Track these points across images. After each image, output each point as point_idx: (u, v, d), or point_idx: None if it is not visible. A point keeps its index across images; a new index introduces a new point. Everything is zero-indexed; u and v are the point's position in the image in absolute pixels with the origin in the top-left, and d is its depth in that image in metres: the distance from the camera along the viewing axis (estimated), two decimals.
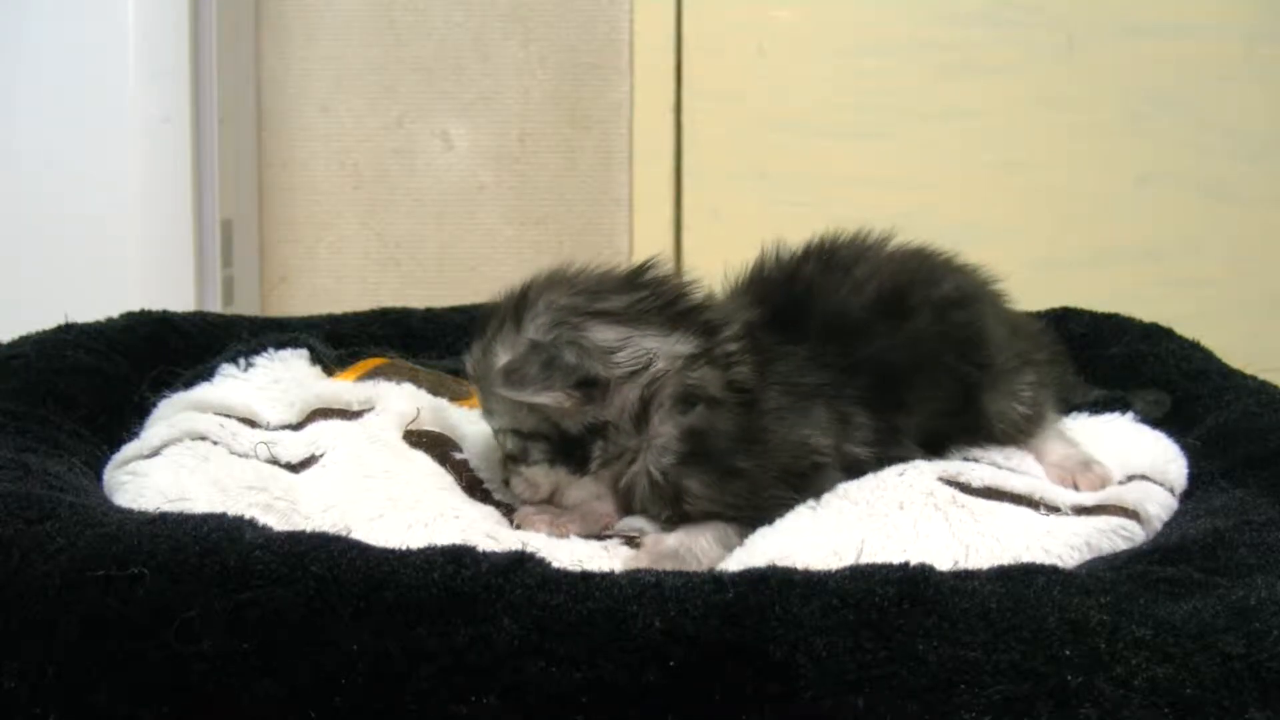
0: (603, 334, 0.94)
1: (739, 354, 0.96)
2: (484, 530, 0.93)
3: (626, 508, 0.99)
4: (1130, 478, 1.02)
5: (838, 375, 0.98)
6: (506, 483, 1.01)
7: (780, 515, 0.93)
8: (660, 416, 0.94)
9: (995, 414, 1.05)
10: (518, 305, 0.96)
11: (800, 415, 0.96)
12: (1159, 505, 0.98)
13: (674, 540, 0.93)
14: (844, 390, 0.98)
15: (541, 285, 0.98)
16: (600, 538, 0.97)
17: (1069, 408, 1.18)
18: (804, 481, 0.95)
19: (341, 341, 1.36)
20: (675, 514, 0.95)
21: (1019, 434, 1.07)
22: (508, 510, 1.01)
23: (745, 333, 0.97)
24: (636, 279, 0.99)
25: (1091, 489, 1.01)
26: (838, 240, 1.08)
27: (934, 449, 1.03)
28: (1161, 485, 1.02)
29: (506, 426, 0.98)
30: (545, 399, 0.92)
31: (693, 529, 0.93)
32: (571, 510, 0.98)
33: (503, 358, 0.94)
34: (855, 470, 0.98)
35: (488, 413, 1.00)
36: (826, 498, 0.94)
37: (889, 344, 1.01)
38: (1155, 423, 1.16)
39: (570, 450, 0.96)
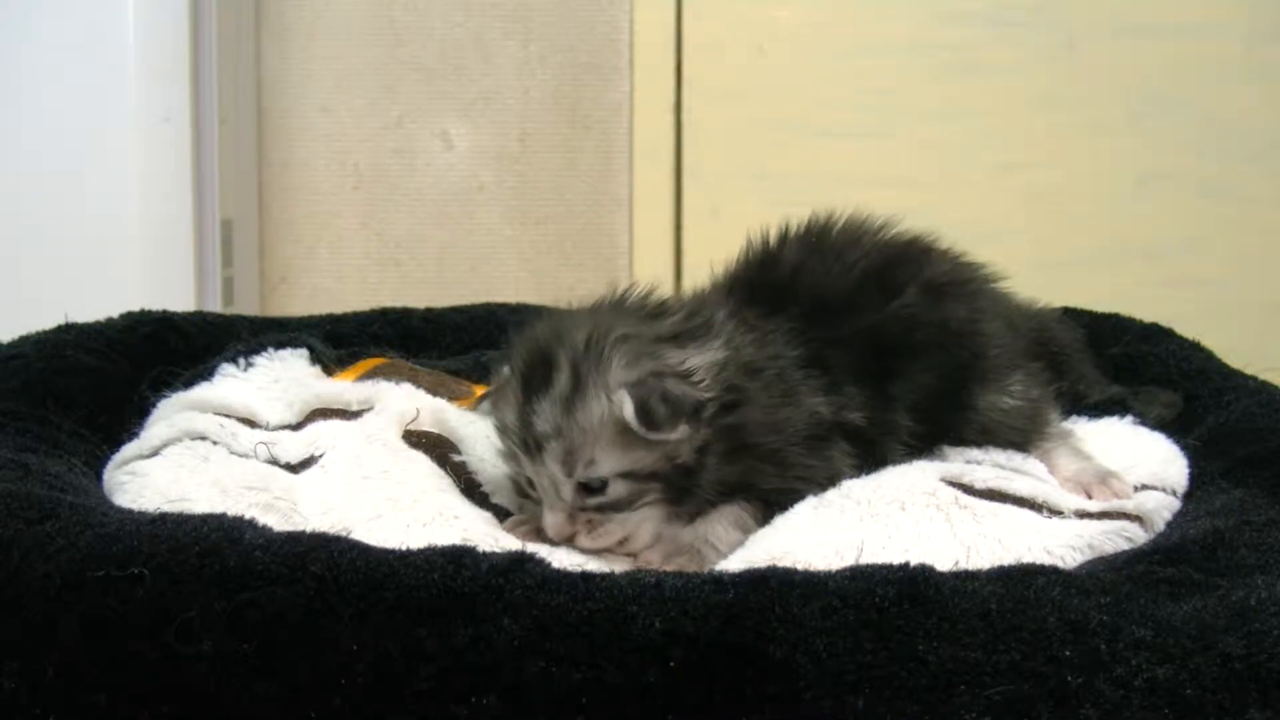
0: (675, 358, 0.93)
1: (740, 336, 0.96)
2: (483, 531, 0.93)
3: None
4: (1134, 489, 1.02)
5: (824, 347, 0.98)
6: (570, 540, 0.92)
7: (800, 485, 0.94)
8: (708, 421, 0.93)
9: (985, 405, 1.05)
10: (582, 349, 0.92)
11: (799, 384, 0.97)
12: (1160, 506, 0.98)
13: (689, 534, 0.93)
14: (831, 361, 0.98)
15: (587, 322, 0.94)
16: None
17: (1084, 405, 1.18)
18: (821, 445, 0.96)
19: (341, 341, 1.36)
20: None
21: (1014, 429, 1.06)
22: (505, 514, 1.01)
23: (734, 313, 0.98)
24: (657, 302, 0.99)
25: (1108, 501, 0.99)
26: (828, 224, 1.08)
27: (926, 425, 1.02)
28: (1163, 489, 1.01)
29: (614, 472, 0.91)
30: (679, 434, 0.89)
31: (708, 517, 0.94)
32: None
33: (609, 404, 0.89)
34: (856, 439, 0.98)
35: (568, 463, 0.91)
36: (828, 496, 0.94)
37: (876, 319, 1.01)
38: (1157, 424, 1.16)
39: (681, 484, 0.93)
